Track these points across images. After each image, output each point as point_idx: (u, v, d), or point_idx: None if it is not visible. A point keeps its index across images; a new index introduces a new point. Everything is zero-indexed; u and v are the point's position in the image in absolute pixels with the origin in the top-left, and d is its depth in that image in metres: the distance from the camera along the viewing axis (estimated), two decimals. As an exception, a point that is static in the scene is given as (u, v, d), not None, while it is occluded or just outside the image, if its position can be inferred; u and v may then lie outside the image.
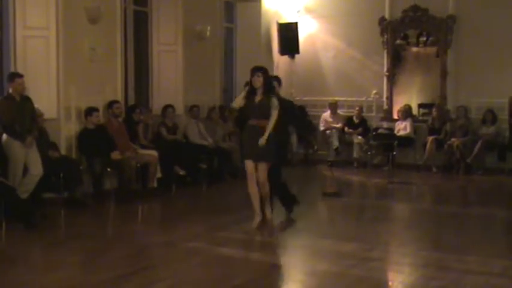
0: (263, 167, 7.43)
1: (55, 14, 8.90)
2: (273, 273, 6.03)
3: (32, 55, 8.84)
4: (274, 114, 7.32)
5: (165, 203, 9.40)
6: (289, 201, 8.19)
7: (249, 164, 7.48)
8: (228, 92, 13.24)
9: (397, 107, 13.44)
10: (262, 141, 7.26)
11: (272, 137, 7.37)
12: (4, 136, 7.91)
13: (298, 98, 13.84)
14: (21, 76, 8.07)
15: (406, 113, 13.04)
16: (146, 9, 11.18)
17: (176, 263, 6.26)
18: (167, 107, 10.84)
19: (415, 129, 13.01)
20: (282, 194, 8.12)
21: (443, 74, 12.94)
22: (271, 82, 7.60)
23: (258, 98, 7.40)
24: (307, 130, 13.77)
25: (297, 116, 7.85)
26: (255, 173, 7.45)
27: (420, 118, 13.30)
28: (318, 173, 12.67)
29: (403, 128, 12.97)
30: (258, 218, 7.47)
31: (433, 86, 13.25)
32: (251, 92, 7.44)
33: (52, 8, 8.88)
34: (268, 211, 7.60)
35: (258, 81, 7.36)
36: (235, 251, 6.56)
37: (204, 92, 11.94)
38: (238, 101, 7.65)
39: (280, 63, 14.36)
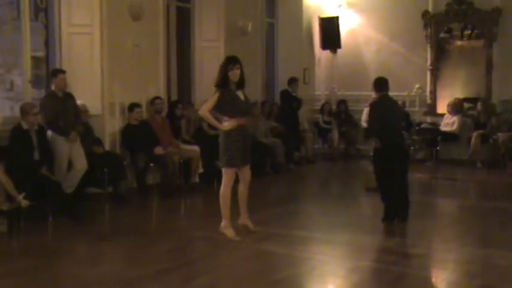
0: (248, 167, 7.01)
1: (99, 11, 9.00)
2: (314, 268, 6.01)
3: (76, 52, 8.97)
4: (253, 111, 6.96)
5: (207, 198, 9.44)
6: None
7: (234, 172, 6.85)
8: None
9: (440, 101, 13.24)
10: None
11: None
12: (49, 132, 8.07)
13: (340, 93, 13.76)
14: (63, 72, 8.22)
15: (457, 107, 12.78)
16: (189, 6, 11.25)
17: (218, 258, 6.30)
18: (209, 102, 10.87)
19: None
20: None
21: (489, 68, 12.73)
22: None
23: (239, 93, 6.90)
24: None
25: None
26: (245, 174, 6.94)
27: (465, 113, 13.08)
28: (360, 168, 12.55)
29: (451, 123, 12.74)
30: (230, 226, 6.90)
31: (478, 79, 13.03)
32: (226, 86, 6.81)
33: (96, 6, 8.99)
34: (247, 214, 7.15)
35: (237, 74, 6.81)
36: (276, 246, 6.56)
37: (246, 88, 11.92)
38: (209, 107, 6.84)
39: (321, 58, 14.32)
